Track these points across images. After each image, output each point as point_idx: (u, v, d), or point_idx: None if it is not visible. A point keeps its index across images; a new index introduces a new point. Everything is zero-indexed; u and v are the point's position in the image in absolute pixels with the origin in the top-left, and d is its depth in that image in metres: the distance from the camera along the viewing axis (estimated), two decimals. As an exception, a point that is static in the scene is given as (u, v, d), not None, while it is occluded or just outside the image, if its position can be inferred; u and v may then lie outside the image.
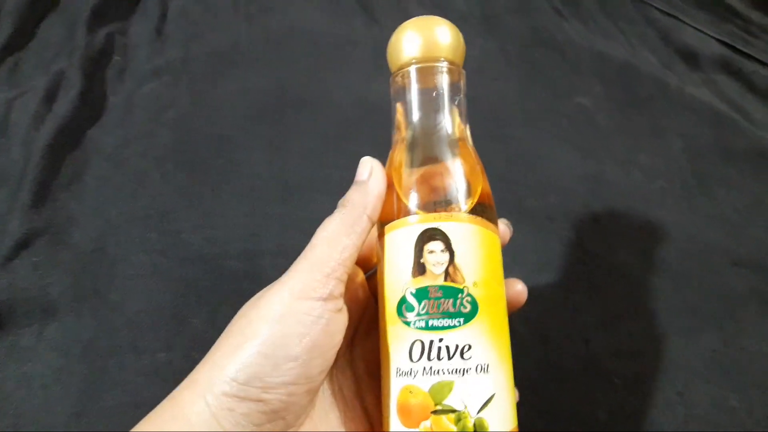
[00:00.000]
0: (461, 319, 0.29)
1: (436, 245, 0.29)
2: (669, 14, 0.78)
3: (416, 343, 0.29)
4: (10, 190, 0.54)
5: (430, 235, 0.30)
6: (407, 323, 0.29)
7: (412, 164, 0.33)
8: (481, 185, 0.32)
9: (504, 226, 0.36)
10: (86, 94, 0.63)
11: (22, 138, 0.59)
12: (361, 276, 0.37)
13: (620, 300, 0.51)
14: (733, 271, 0.53)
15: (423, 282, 0.29)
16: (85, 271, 0.50)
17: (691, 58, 0.73)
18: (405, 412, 0.29)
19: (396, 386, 0.30)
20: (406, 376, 0.29)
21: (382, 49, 0.34)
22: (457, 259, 0.29)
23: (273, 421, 0.28)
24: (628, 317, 0.50)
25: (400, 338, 0.30)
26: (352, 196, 0.32)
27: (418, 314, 0.29)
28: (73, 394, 0.44)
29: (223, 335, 0.29)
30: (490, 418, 0.28)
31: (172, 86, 0.66)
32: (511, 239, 0.53)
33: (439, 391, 0.28)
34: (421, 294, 0.29)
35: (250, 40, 0.72)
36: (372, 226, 0.31)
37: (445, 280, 0.29)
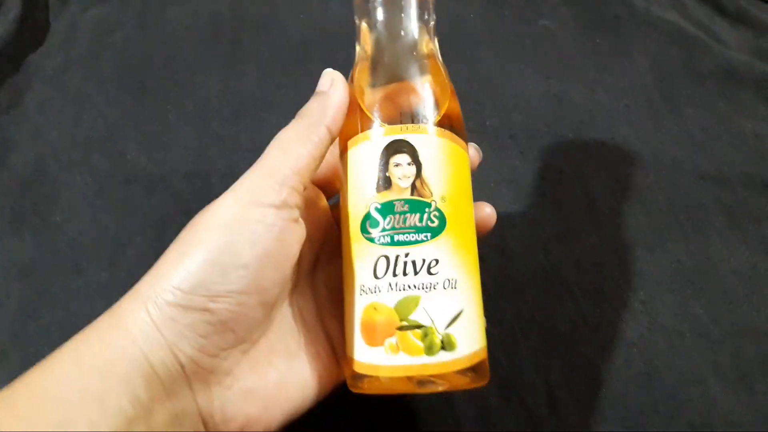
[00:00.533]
0: (428, 234, 0.28)
1: (402, 158, 0.28)
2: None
3: (381, 259, 0.28)
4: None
5: (396, 147, 0.29)
6: (371, 239, 0.28)
7: (377, 81, 0.31)
8: (449, 101, 0.31)
9: (473, 150, 0.35)
10: (26, 19, 0.60)
11: (-43, 63, 0.56)
12: (323, 200, 0.35)
13: (582, 214, 0.50)
14: (699, 184, 0.52)
15: (388, 196, 0.28)
16: (24, 193, 0.48)
17: (659, -20, 0.71)
18: (369, 330, 0.28)
19: (360, 304, 0.28)
20: (370, 293, 0.28)
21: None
22: (424, 173, 0.28)
23: (221, 333, 0.26)
24: (590, 230, 0.49)
25: (364, 255, 0.29)
26: (311, 105, 0.30)
27: (383, 229, 0.28)
28: (12, 313, 0.42)
29: (170, 246, 0.27)
30: (458, 333, 0.27)
31: (118, 10, 0.62)
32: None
33: (405, 307, 0.27)
34: (387, 208, 0.28)
35: (203, -35, 0.69)
36: (332, 139, 0.30)
37: (412, 194, 0.28)
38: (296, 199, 0.28)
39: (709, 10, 0.69)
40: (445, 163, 0.29)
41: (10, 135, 0.51)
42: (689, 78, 0.61)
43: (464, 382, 0.28)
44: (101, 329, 0.25)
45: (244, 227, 0.26)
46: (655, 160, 0.53)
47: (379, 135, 0.29)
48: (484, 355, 0.29)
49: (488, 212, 0.35)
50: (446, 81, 0.32)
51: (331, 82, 0.31)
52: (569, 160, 0.53)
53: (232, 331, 0.27)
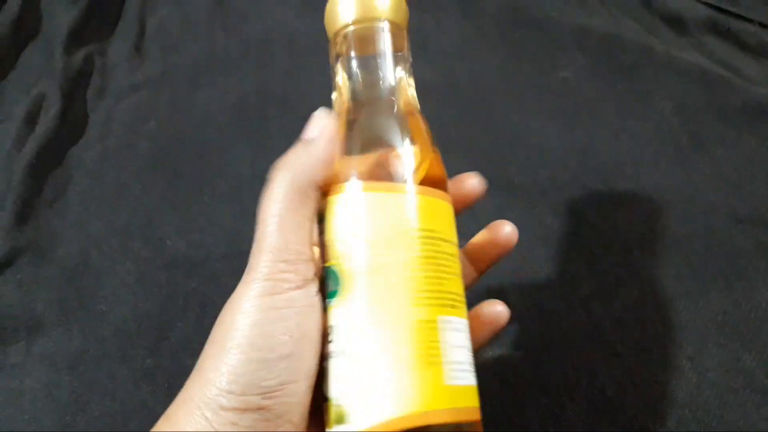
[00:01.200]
0: (330, 299, 0.27)
1: (316, 227, 0.28)
2: (650, -19, 0.76)
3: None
4: (-8, 212, 0.54)
5: (319, 215, 0.28)
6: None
7: (352, 140, 0.30)
8: (429, 160, 0.29)
9: (476, 181, 0.35)
10: (66, 113, 0.63)
11: (4, 161, 0.58)
12: None
13: (620, 268, 0.49)
14: (738, 228, 0.51)
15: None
16: (70, 284, 0.49)
17: (676, 22, 0.71)
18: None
19: None
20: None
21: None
22: (325, 236, 0.28)
23: (280, 426, 0.26)
24: (629, 285, 0.48)
25: None
26: (299, 158, 0.28)
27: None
28: (63, 406, 0.43)
29: (207, 345, 0.27)
30: (350, 405, 0.25)
31: (151, 99, 0.65)
32: (505, 217, 0.51)
33: (322, 376, 0.27)
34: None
35: (228, 48, 0.72)
36: (321, 193, 0.29)
37: (322, 258, 0.28)
38: (312, 269, 0.27)
39: (730, 46, 0.69)
40: (346, 220, 0.27)
41: (55, 228, 0.53)
42: (716, 117, 0.60)
43: None
44: None
45: (276, 318, 0.26)
46: (689, 206, 0.53)
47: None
48: (414, 422, 0.25)
49: (499, 310, 0.33)
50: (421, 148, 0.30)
51: (321, 129, 0.29)
52: (601, 213, 0.52)
53: (289, 422, 0.26)
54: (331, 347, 0.27)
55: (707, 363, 0.43)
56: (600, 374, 0.43)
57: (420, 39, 0.70)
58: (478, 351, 0.30)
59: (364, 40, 0.31)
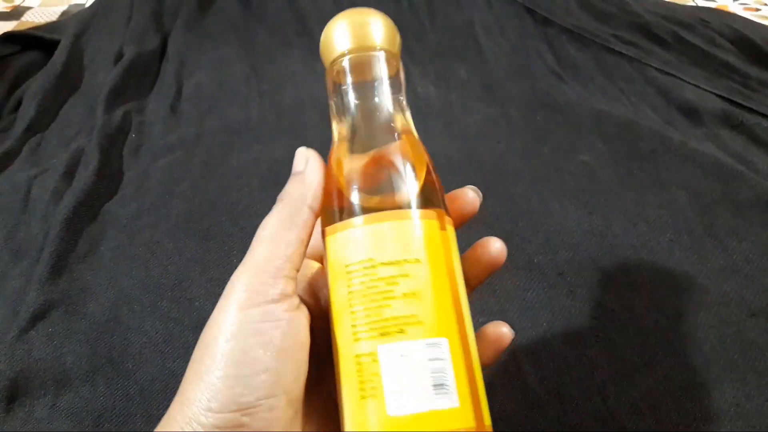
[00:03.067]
0: None
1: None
2: (667, 73, 0.80)
3: None
4: (29, 263, 0.56)
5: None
6: None
7: (351, 161, 0.30)
8: (424, 175, 0.30)
9: (473, 194, 0.34)
10: (103, 170, 0.65)
11: (42, 213, 0.61)
12: (311, 267, 0.34)
13: (636, 354, 0.50)
14: (751, 321, 0.52)
15: None
16: (99, 340, 0.51)
17: (692, 113, 0.74)
18: None
19: None
20: None
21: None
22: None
23: None
24: (645, 372, 0.49)
25: None
26: (290, 188, 0.30)
27: None
28: (85, 464, 0.43)
29: (188, 369, 0.27)
30: None
31: (185, 160, 0.68)
32: (523, 297, 0.53)
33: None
34: None
35: (263, 114, 0.75)
36: (315, 217, 0.29)
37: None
38: (292, 286, 0.28)
39: (744, 140, 0.72)
40: (326, 258, 0.29)
41: (87, 283, 0.55)
42: (730, 210, 0.62)
43: None
44: None
45: (251, 332, 0.26)
46: (703, 295, 0.54)
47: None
48: None
49: (503, 331, 0.32)
50: (422, 155, 0.31)
51: (306, 160, 0.30)
52: (619, 298, 0.54)
53: None
54: None
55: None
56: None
57: (446, 118, 0.73)
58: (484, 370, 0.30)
59: (361, 68, 0.31)
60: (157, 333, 0.51)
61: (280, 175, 0.65)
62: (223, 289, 0.54)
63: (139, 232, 0.60)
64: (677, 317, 0.53)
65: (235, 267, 0.55)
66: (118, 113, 0.74)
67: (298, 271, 0.29)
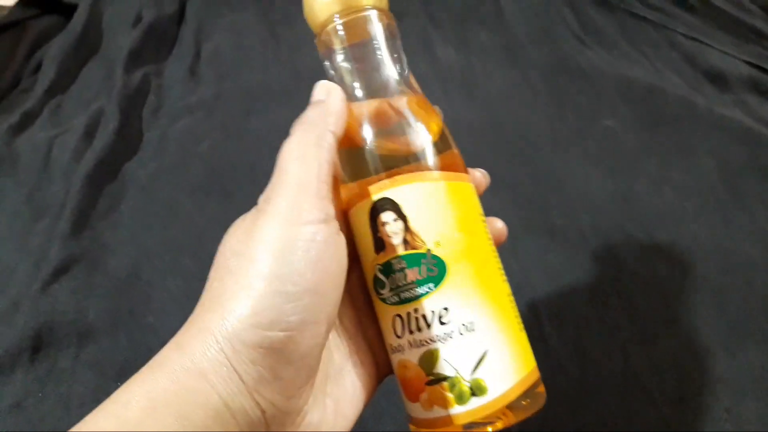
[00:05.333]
0: (431, 285, 0.27)
1: (387, 216, 0.28)
2: (693, 38, 0.78)
3: (396, 318, 0.28)
4: (51, 219, 0.56)
5: (379, 206, 0.28)
6: (383, 300, 0.28)
7: (359, 132, 0.30)
8: (436, 127, 0.30)
9: (480, 174, 0.33)
10: (123, 130, 0.65)
11: (63, 171, 0.61)
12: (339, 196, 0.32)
13: (659, 316, 0.50)
14: (776, 285, 0.52)
15: (385, 256, 0.28)
16: (121, 295, 0.51)
17: (718, 79, 0.73)
18: (405, 387, 0.28)
19: (393, 363, 0.29)
20: (397, 351, 0.28)
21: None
22: (411, 224, 0.27)
23: (299, 370, 0.24)
24: (668, 333, 0.49)
25: (383, 315, 0.29)
26: (310, 113, 0.28)
27: (390, 289, 0.28)
28: (109, 414, 0.44)
29: (219, 272, 0.25)
30: (486, 376, 0.26)
31: (204, 121, 0.68)
32: (545, 259, 0.52)
33: (428, 361, 0.27)
34: (387, 269, 0.28)
35: (281, 77, 0.75)
36: (337, 145, 0.28)
37: (405, 248, 0.27)
38: (333, 208, 0.26)
39: (770, 106, 0.70)
40: (434, 206, 0.28)
41: (108, 240, 0.55)
42: (757, 175, 0.61)
43: (518, 414, 0.27)
44: (173, 369, 0.23)
45: (299, 249, 0.24)
46: (728, 259, 0.53)
47: (364, 197, 0.28)
48: (528, 382, 0.27)
49: (499, 227, 0.33)
50: (429, 110, 0.31)
51: (328, 92, 0.29)
52: (642, 261, 0.53)
53: (308, 366, 0.25)
54: (446, 328, 0.27)
55: (744, 415, 0.44)
56: (636, 422, 0.44)
57: (467, 83, 0.72)
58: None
59: (353, 28, 0.30)
60: (178, 288, 0.51)
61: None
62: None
63: (159, 192, 0.60)
64: (702, 280, 0.52)
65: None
66: (137, 75, 0.73)
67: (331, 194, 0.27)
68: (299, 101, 0.70)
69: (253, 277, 0.24)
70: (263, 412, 0.24)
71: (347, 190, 0.30)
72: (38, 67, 0.78)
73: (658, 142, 0.65)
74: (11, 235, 0.56)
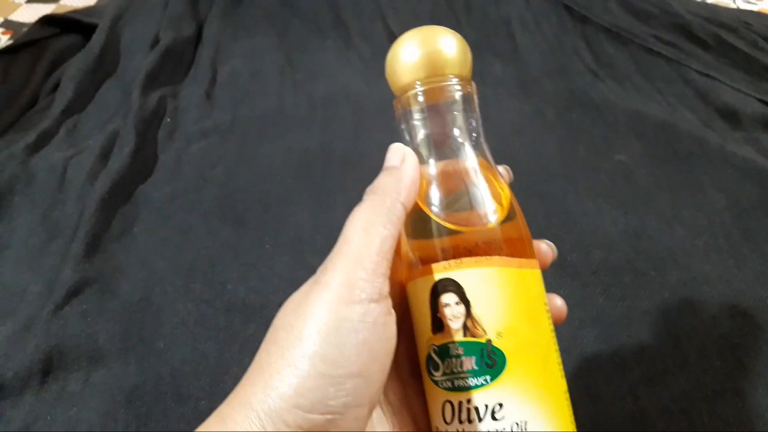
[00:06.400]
0: (487, 377, 0.26)
1: (449, 298, 0.26)
2: (706, 75, 0.79)
3: (446, 404, 0.26)
4: (64, 241, 0.57)
5: (442, 287, 0.27)
6: (435, 382, 0.27)
7: (429, 200, 0.29)
8: (506, 201, 0.29)
9: (546, 247, 0.33)
10: (138, 152, 0.66)
11: (78, 192, 0.61)
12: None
13: (668, 356, 0.49)
14: (787, 328, 0.52)
15: (443, 339, 0.27)
16: (132, 319, 0.51)
17: (731, 116, 0.73)
18: None
19: None
20: None
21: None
22: (474, 310, 0.26)
23: None
24: (677, 374, 0.48)
25: (432, 396, 0.28)
26: (383, 181, 0.28)
27: (444, 374, 0.27)
28: (117, 440, 0.44)
29: (266, 349, 0.24)
30: None
31: (219, 146, 0.68)
32: (556, 293, 0.52)
33: None
34: (443, 352, 0.27)
35: (296, 104, 0.75)
36: (405, 217, 0.27)
37: (465, 334, 0.26)
38: (388, 287, 0.25)
39: (783, 145, 0.70)
40: (499, 293, 0.26)
41: (120, 263, 0.55)
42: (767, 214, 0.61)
43: None
44: None
45: (349, 330, 0.23)
46: (739, 300, 0.53)
47: (427, 273, 0.27)
48: None
49: (558, 305, 0.32)
50: (502, 188, 0.30)
51: (403, 157, 0.28)
52: (653, 299, 0.53)
53: None
54: (498, 425, 0.25)
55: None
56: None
57: (481, 114, 0.73)
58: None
59: (434, 96, 0.29)
60: (189, 314, 0.52)
61: (311, 165, 0.66)
62: (255, 274, 0.54)
63: (172, 215, 0.60)
64: (712, 321, 0.52)
65: (268, 253, 0.56)
66: (154, 97, 0.74)
67: (390, 271, 0.26)
68: (313, 128, 0.71)
69: (299, 355, 0.23)
70: None
71: (407, 260, 0.29)
72: (56, 87, 0.79)
73: (670, 178, 0.65)
74: (25, 255, 0.56)
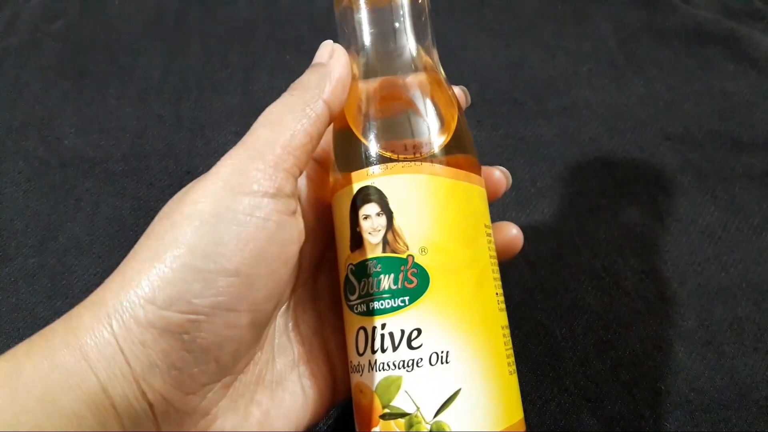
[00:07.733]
0: (406, 298, 0.22)
1: (370, 208, 0.23)
2: None
3: (360, 331, 0.23)
4: None
5: (363, 196, 0.24)
6: (351, 308, 0.24)
7: (366, 103, 0.26)
8: (451, 119, 0.26)
9: (499, 174, 0.30)
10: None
11: None
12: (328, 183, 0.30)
13: (542, 179, 0.47)
14: (666, 145, 0.50)
15: (360, 256, 0.23)
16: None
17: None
18: (358, 415, 0.24)
19: (352, 384, 0.24)
20: (356, 371, 0.23)
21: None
22: (397, 221, 0.23)
23: (202, 364, 0.21)
24: (549, 195, 0.46)
25: (348, 325, 0.24)
26: (307, 77, 0.25)
27: (359, 296, 0.23)
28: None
29: (140, 242, 0.22)
30: (453, 420, 0.21)
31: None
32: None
33: (386, 390, 0.22)
34: (360, 271, 0.23)
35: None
36: (331, 118, 0.25)
37: (384, 250, 0.23)
38: (292, 185, 0.23)
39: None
40: (427, 204, 0.23)
41: (-57, 124, 0.49)
42: (654, 38, 0.58)
43: None
44: (52, 344, 0.19)
45: (230, 221, 0.21)
46: (618, 121, 0.51)
47: (348, 184, 0.24)
48: None
49: (514, 234, 0.29)
50: (448, 100, 0.27)
51: (331, 53, 0.26)
52: (528, 126, 0.50)
53: (216, 361, 0.21)
54: (414, 354, 0.22)
55: (621, 272, 0.42)
56: (510, 283, 0.42)
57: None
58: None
59: None
60: (20, 173, 0.46)
61: (163, 12, 0.59)
62: (96, 127, 0.49)
63: (4, 73, 0.53)
64: (589, 142, 0.50)
65: (112, 106, 0.51)
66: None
67: (301, 172, 0.23)
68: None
69: (165, 246, 0.20)
70: (151, 405, 0.20)
71: (334, 178, 0.25)
72: None
73: (555, 9, 0.61)
74: None
